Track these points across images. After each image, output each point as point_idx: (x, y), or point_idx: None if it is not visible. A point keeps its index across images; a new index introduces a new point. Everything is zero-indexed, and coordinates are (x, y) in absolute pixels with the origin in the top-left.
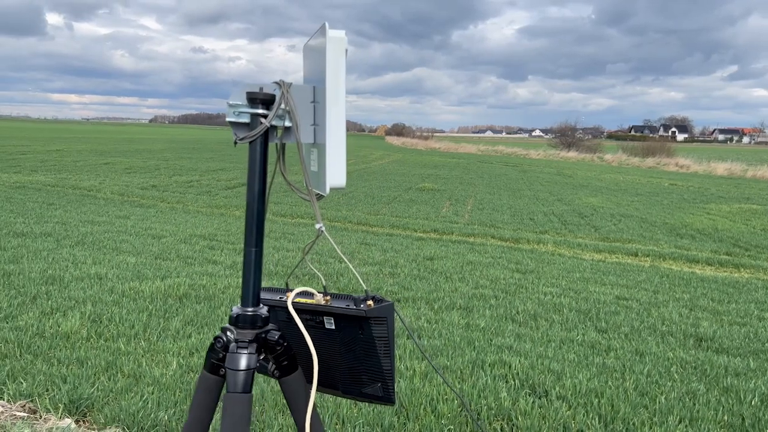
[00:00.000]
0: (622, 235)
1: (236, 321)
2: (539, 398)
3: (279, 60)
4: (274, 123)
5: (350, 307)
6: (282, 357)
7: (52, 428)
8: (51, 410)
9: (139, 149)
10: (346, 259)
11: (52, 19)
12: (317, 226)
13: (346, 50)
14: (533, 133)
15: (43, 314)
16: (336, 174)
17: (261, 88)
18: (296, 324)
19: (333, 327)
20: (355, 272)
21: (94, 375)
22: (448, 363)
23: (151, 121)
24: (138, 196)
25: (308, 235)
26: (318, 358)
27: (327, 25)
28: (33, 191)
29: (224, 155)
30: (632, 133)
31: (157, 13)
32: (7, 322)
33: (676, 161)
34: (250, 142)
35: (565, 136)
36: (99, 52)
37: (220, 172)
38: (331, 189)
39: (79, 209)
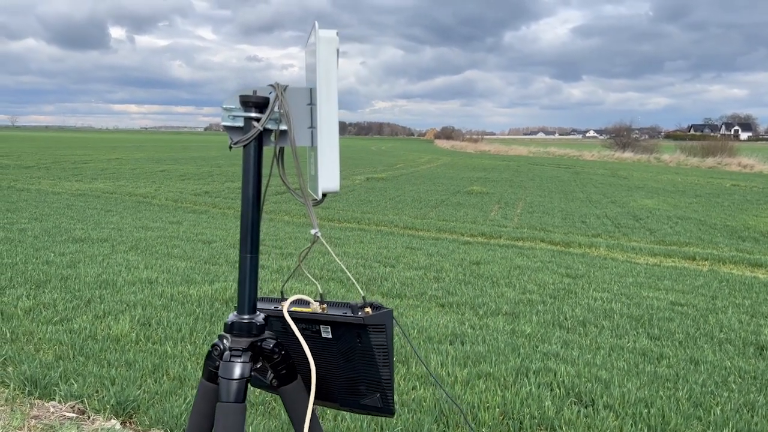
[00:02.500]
0: (679, 238)
1: (231, 328)
2: (585, 407)
3: None
4: (268, 126)
5: (348, 314)
6: (280, 365)
7: (98, 429)
8: (99, 411)
9: (193, 157)
10: (343, 266)
11: (116, 32)
12: (313, 231)
13: (338, 50)
14: (587, 134)
15: (96, 317)
16: (329, 178)
17: (255, 91)
18: (292, 334)
19: (330, 336)
20: (352, 279)
21: (141, 377)
22: (491, 370)
23: (206, 129)
24: (191, 202)
25: (354, 239)
26: (315, 368)
27: (317, 24)
28: (92, 198)
29: None
30: (692, 132)
31: (213, 23)
32: (62, 325)
33: (738, 161)
34: (244, 146)
35: (621, 137)
36: (158, 63)
37: (271, 178)
38: (324, 193)
39: (135, 215)
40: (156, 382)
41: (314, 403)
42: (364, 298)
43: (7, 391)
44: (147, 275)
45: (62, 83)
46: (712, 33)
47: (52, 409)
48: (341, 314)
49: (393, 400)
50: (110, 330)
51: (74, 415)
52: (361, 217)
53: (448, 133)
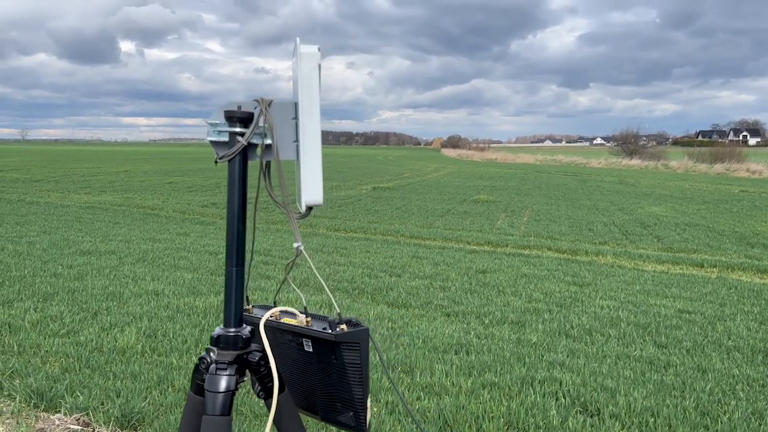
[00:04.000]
0: (687, 245)
1: (217, 342)
2: (590, 417)
3: (338, 77)
4: (253, 141)
5: (325, 330)
6: (266, 378)
7: None
8: (103, 424)
9: (201, 168)
10: (322, 280)
11: (126, 46)
12: (296, 245)
13: (320, 65)
14: (594, 142)
15: (103, 329)
16: (311, 191)
17: (239, 107)
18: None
19: (311, 350)
20: (329, 294)
21: (147, 389)
22: (496, 379)
23: None
24: (198, 214)
25: (360, 248)
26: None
27: (298, 41)
28: (101, 211)
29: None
30: (699, 138)
31: (221, 36)
32: (69, 337)
33: (747, 167)
34: (229, 161)
35: (628, 144)
36: (167, 76)
37: (277, 189)
38: (307, 207)
39: (142, 227)
40: (161, 394)
41: (299, 413)
42: (339, 314)
43: (13, 403)
44: (153, 287)
45: (72, 97)
46: (720, 39)
47: (57, 422)
48: (320, 330)
49: (365, 420)
50: (116, 342)
51: (79, 427)
52: (367, 227)
53: (454, 142)
